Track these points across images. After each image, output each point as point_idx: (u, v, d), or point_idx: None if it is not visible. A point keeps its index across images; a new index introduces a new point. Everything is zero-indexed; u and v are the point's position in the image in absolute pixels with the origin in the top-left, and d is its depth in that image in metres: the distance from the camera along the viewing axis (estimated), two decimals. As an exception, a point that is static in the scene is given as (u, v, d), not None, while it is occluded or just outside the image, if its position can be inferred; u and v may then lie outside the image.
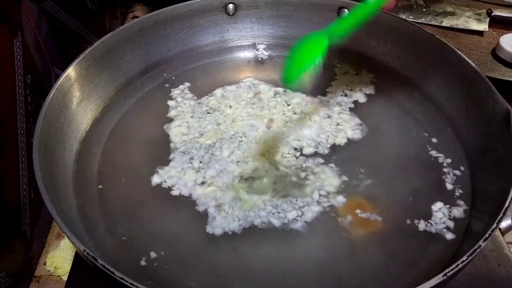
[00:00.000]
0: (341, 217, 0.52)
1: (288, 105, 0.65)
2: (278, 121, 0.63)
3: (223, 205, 0.52)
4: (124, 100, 0.66)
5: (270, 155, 0.58)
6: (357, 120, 0.63)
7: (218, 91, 0.68)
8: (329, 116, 0.63)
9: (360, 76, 0.71)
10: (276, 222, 0.51)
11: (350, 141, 0.60)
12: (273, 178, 0.55)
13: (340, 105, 0.65)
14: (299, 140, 0.60)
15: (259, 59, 0.74)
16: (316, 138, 0.60)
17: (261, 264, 0.48)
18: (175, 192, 0.54)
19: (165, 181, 0.56)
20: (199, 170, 0.57)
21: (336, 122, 0.63)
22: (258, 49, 0.75)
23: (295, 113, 0.64)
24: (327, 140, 0.60)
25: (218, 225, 0.51)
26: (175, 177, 0.56)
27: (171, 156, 0.58)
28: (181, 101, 0.66)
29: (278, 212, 0.52)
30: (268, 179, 0.55)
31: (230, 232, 0.50)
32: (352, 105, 0.65)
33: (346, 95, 0.67)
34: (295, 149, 0.59)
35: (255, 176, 0.56)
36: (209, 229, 0.50)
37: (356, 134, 0.61)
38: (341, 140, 0.60)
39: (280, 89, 0.68)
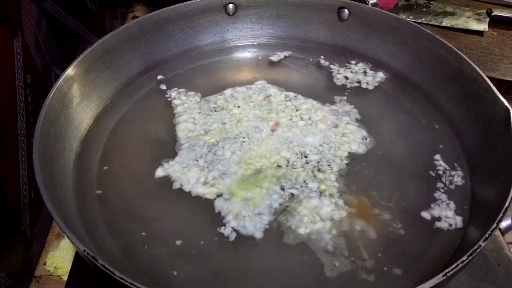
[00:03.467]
0: (339, 218, 0.52)
1: (297, 110, 0.64)
2: (283, 125, 0.62)
3: (240, 213, 0.52)
4: (124, 100, 0.66)
5: (271, 158, 0.58)
6: (364, 133, 0.61)
7: (227, 91, 0.67)
8: (336, 126, 0.62)
9: (360, 76, 0.70)
10: (295, 192, 0.53)
11: (351, 154, 0.59)
12: (271, 175, 0.55)
13: (349, 114, 0.64)
14: (302, 147, 0.59)
15: (260, 59, 0.75)
16: (318, 147, 0.59)
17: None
18: (176, 186, 0.55)
19: (167, 176, 0.56)
20: (203, 169, 0.57)
21: (342, 132, 0.61)
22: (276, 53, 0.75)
23: (302, 119, 0.63)
24: (329, 150, 0.59)
25: (253, 228, 0.50)
26: (178, 172, 0.56)
27: (176, 152, 0.59)
28: (185, 99, 0.66)
29: (290, 181, 0.54)
30: (265, 175, 0.56)
31: (268, 226, 0.51)
32: (359, 116, 0.64)
33: (345, 95, 0.67)
34: (297, 154, 0.58)
35: (253, 175, 0.56)
36: (257, 234, 0.50)
37: (361, 148, 0.59)
38: (342, 153, 0.58)
39: (291, 94, 0.67)
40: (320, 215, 0.52)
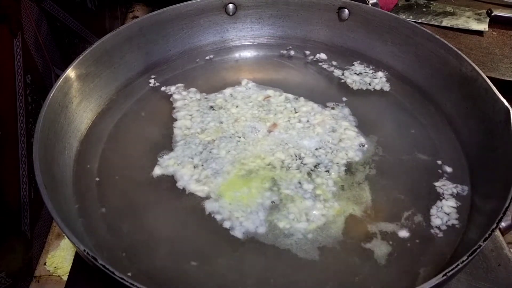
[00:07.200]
0: (339, 218, 0.52)
1: (296, 112, 0.64)
2: (281, 127, 0.62)
3: (232, 214, 0.52)
4: (124, 100, 0.66)
5: (265, 159, 0.58)
6: (362, 140, 0.60)
7: (227, 90, 0.67)
8: (334, 130, 0.62)
9: (360, 76, 0.70)
10: (290, 192, 0.53)
11: (350, 159, 0.58)
12: (263, 175, 0.55)
13: (348, 118, 0.63)
14: (297, 149, 0.59)
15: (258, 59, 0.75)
16: (314, 151, 0.59)
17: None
18: (174, 185, 0.55)
19: (165, 175, 0.56)
20: (198, 167, 0.57)
21: (339, 138, 0.61)
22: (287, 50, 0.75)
23: (300, 121, 0.63)
24: (326, 156, 0.58)
25: (248, 226, 0.51)
26: (174, 168, 0.56)
27: (173, 149, 0.59)
28: (185, 94, 0.67)
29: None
30: (256, 175, 0.56)
31: (267, 224, 0.51)
32: (358, 117, 0.63)
33: (345, 95, 0.67)
34: (291, 156, 0.58)
35: (245, 175, 0.56)
36: (239, 233, 0.50)
37: (358, 156, 0.58)
38: (340, 160, 0.58)
39: (291, 95, 0.67)
40: (309, 216, 0.52)
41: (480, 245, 0.41)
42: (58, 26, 0.74)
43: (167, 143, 0.60)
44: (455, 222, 0.52)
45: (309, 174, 0.56)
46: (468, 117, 0.60)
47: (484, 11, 0.96)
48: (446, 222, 0.52)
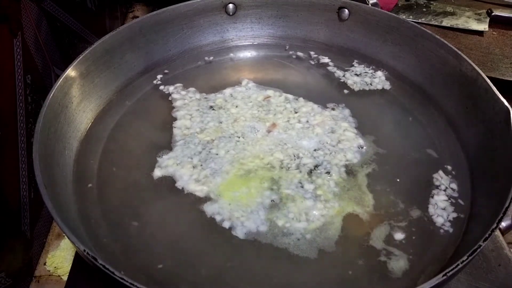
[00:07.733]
0: (338, 218, 0.52)
1: (296, 112, 0.64)
2: (280, 127, 0.62)
3: (232, 214, 0.52)
4: (124, 100, 0.66)
5: (264, 159, 0.58)
6: (360, 141, 0.60)
7: (227, 90, 0.67)
8: (333, 131, 0.61)
9: (361, 77, 0.70)
10: (290, 192, 0.53)
11: (348, 160, 0.58)
12: (262, 175, 0.55)
13: (348, 119, 0.63)
14: (296, 149, 0.59)
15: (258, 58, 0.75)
16: (313, 152, 0.59)
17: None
18: (173, 185, 0.55)
19: (165, 175, 0.56)
20: (197, 167, 0.57)
21: (338, 139, 0.60)
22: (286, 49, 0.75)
23: (299, 122, 0.63)
24: (324, 157, 0.58)
25: (249, 226, 0.51)
26: (173, 169, 0.56)
27: (172, 149, 0.59)
28: (184, 94, 0.67)
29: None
30: (254, 175, 0.56)
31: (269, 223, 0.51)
32: (358, 118, 0.63)
33: (345, 95, 0.67)
34: (290, 156, 0.58)
35: (243, 175, 0.56)
36: (241, 233, 0.50)
37: (356, 158, 0.58)
38: (338, 161, 0.57)
39: (290, 96, 0.67)
40: (309, 216, 0.52)
41: (480, 245, 0.41)
42: (58, 26, 0.74)
43: (166, 143, 0.60)
44: (455, 221, 0.52)
45: (309, 174, 0.56)
46: (468, 117, 0.60)
47: (484, 11, 0.96)
48: (445, 221, 0.52)
